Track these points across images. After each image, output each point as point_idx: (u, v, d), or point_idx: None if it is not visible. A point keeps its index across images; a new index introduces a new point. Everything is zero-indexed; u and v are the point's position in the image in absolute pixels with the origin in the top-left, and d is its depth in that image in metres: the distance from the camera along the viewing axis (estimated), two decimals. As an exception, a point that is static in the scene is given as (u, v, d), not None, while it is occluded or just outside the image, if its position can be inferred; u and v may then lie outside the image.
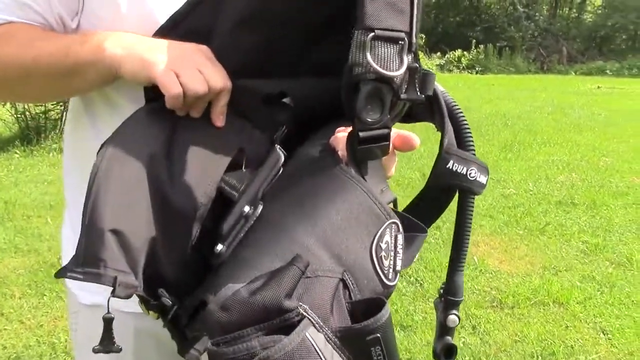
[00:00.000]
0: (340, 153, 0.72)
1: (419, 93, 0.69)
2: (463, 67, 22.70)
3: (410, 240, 0.71)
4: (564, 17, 28.28)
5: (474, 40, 24.30)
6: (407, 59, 0.67)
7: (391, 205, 0.74)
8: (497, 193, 5.01)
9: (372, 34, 0.64)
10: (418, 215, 0.76)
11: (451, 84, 15.75)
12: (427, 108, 0.75)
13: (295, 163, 0.76)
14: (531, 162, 6.21)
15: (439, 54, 24.24)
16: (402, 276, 3.28)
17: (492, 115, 9.50)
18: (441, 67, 22.83)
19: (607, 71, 22.21)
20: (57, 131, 7.00)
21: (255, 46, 0.77)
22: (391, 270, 0.66)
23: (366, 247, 0.65)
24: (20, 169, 5.87)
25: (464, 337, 2.70)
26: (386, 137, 0.69)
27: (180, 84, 0.73)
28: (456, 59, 23.20)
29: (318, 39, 0.78)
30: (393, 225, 0.67)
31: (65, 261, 1.04)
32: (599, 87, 15.17)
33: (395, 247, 0.67)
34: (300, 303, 0.60)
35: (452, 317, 0.77)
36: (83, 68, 0.79)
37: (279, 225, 0.67)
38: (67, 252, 1.04)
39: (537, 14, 27.55)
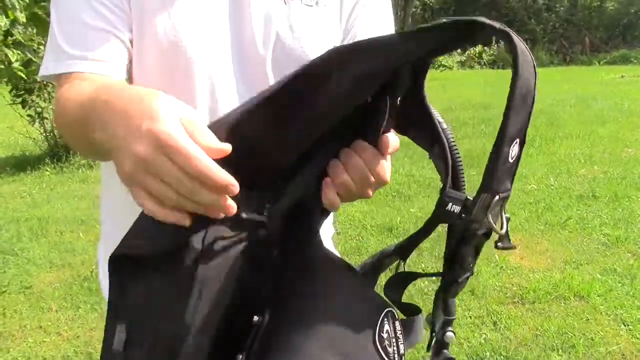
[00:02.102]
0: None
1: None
2: (484, 63, 22.58)
3: (409, 323, 0.78)
4: (586, 6, 27.89)
5: (494, 36, 24.12)
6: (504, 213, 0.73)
7: None
8: (517, 189, 5.03)
9: (497, 197, 0.69)
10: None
11: (472, 81, 15.71)
12: (427, 138, 0.78)
13: (295, 264, 0.79)
14: (553, 157, 6.21)
15: (459, 50, 24.10)
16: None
17: (514, 111, 9.47)
18: (462, 64, 22.75)
19: (632, 59, 21.90)
20: (86, 147, 7.19)
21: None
22: (396, 355, 0.73)
23: (370, 340, 0.72)
24: (52, 185, 6.06)
25: (485, 334, 2.75)
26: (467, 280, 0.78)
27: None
28: (477, 55, 23.09)
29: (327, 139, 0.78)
30: (389, 313, 0.74)
31: (101, 277, 1.13)
32: (622, 76, 15.00)
33: (395, 333, 0.74)
34: None
35: (449, 334, 0.83)
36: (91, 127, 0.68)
37: (291, 344, 0.71)
38: (103, 267, 1.12)
39: (557, 5, 27.25)
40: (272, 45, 0.93)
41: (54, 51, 0.87)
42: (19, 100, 6.74)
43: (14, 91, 6.69)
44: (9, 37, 3.05)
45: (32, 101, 6.74)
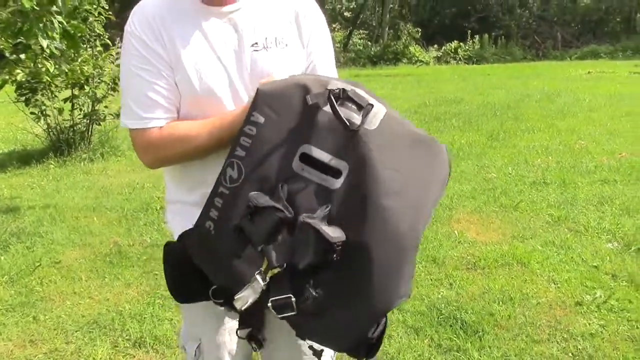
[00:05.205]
0: None
1: None
2: (459, 59, 23.22)
3: None
4: (559, 3, 28.65)
5: (470, 31, 24.80)
6: None
7: None
8: (480, 178, 5.71)
9: None
10: None
11: (447, 77, 16.38)
12: None
13: None
14: (514, 149, 6.89)
15: (435, 46, 24.74)
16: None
17: (483, 106, 10.15)
18: (438, 59, 23.40)
19: (602, 54, 22.72)
20: (86, 142, 7.73)
21: None
22: None
23: None
24: (58, 177, 6.60)
25: (442, 291, 3.40)
26: None
27: None
28: (452, 51, 23.76)
29: None
30: None
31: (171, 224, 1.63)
32: (589, 72, 15.75)
33: None
34: None
35: None
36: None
37: None
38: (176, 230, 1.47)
39: (531, 1, 28.01)
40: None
41: (132, 113, 1.38)
42: (23, 99, 7.22)
43: (18, 90, 7.17)
44: (45, 51, 3.61)
45: (37, 100, 7.22)
